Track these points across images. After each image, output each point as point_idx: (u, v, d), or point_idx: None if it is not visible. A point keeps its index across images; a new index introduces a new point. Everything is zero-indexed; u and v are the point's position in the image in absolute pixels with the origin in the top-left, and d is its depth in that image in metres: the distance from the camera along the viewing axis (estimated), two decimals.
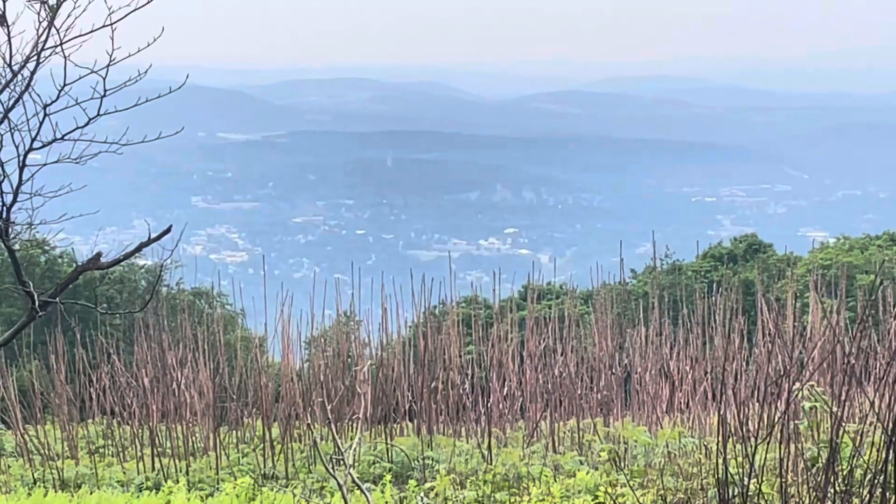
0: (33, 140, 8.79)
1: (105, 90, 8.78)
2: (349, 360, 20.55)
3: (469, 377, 20.50)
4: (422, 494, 12.98)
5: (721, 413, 7.57)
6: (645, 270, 43.26)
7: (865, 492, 6.01)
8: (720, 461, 6.44)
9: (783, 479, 6.46)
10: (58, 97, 8.80)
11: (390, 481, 14.30)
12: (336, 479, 9.01)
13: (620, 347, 21.48)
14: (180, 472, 17.00)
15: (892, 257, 37.57)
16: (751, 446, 6.37)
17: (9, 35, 8.70)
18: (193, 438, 19.22)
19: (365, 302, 21.85)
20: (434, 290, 21.66)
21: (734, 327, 19.52)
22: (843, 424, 6.43)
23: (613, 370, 21.02)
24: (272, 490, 13.83)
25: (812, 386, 12.58)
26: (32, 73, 8.74)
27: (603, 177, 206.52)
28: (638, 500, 11.56)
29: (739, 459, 6.48)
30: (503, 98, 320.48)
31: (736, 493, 6.33)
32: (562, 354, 20.68)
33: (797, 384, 9.57)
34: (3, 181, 8.85)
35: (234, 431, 20.49)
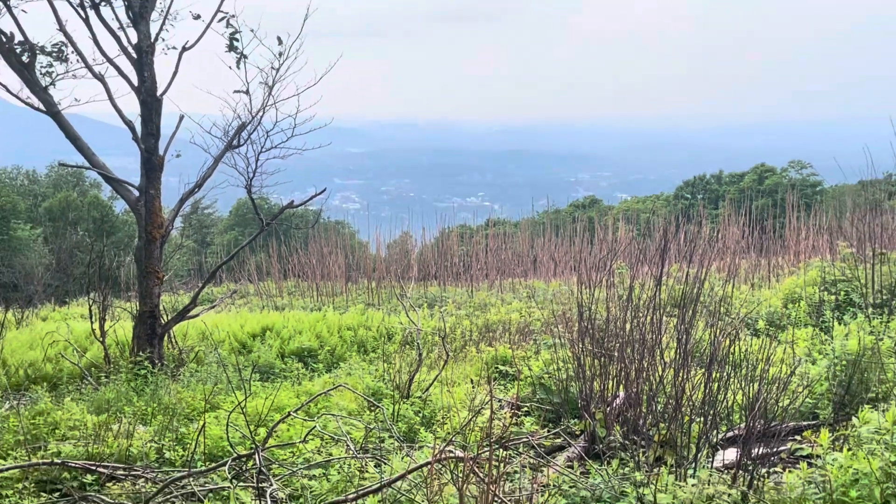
0: (262, 148, 8.80)
1: (295, 124, 8.77)
2: (406, 252, 20.58)
3: (462, 260, 20.57)
4: (441, 311, 13.06)
5: (579, 275, 7.63)
6: (543, 212, 43.00)
7: (645, 309, 6.06)
8: (579, 295, 6.46)
9: (607, 305, 6.47)
10: (273, 127, 8.80)
11: (426, 306, 14.40)
12: (402, 304, 9.08)
13: (531, 247, 21.51)
14: (329, 303, 17.11)
15: (658, 204, 37.42)
16: (592, 290, 6.40)
17: (249, 98, 8.68)
18: (335, 287, 19.33)
19: (414, 226, 21.88)
20: (446, 222, 21.69)
21: (585, 238, 19.53)
22: (635, 279, 6.46)
23: (528, 257, 21.08)
24: (372, 311, 13.93)
25: (620, 263, 12.61)
26: (261, 116, 8.72)
27: (528, 169, 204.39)
28: (541, 314, 11.64)
29: (587, 295, 6.50)
30: (481, 132, 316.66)
31: (585, 309, 6.36)
32: (505, 250, 20.71)
33: (615, 262, 9.62)
34: (248, 167, 8.86)
35: (353, 285, 20.59)
